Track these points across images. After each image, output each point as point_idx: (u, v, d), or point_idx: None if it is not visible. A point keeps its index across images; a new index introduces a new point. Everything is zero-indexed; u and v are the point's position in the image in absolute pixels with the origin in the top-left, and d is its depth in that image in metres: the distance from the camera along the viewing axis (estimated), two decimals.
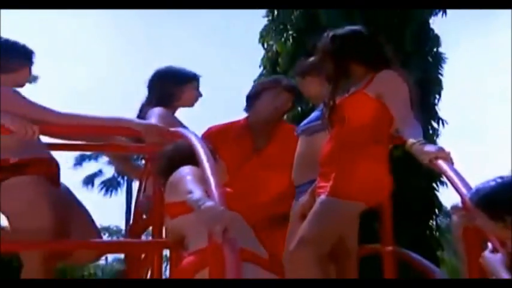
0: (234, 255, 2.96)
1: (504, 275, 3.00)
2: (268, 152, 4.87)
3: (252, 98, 4.97)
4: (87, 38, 71.86)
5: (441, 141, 14.92)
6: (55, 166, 4.23)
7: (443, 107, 16.97)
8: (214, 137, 4.78)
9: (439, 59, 17.31)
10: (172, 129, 4.18)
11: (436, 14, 17.54)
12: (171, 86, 4.83)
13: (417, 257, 4.71)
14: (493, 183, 3.07)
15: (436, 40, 17.44)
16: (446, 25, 18.32)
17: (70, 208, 4.27)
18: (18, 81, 4.28)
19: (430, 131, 15.51)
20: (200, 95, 5.00)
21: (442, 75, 16.86)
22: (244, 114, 5.03)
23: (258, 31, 17.31)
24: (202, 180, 3.38)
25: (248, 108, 4.99)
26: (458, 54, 38.09)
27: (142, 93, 4.94)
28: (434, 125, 16.19)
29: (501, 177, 3.10)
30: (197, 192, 3.27)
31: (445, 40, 17.63)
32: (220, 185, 3.34)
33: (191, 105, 4.99)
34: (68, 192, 4.40)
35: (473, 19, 44.18)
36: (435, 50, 17.32)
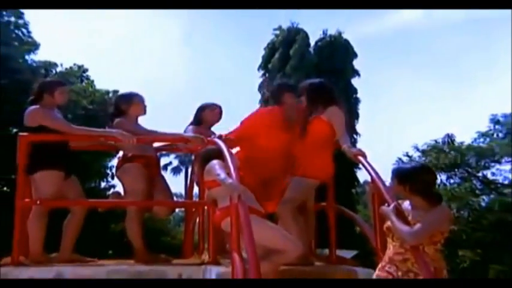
0: (245, 210, 3.30)
1: (393, 217, 3.23)
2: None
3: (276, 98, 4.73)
4: None
5: (358, 145, 16.77)
6: (152, 159, 4.70)
7: (359, 126, 20.50)
8: (265, 116, 4.77)
9: (357, 101, 18.98)
10: (208, 138, 4.55)
11: (354, 77, 19.22)
12: (199, 113, 5.14)
13: (346, 209, 5.16)
14: (407, 165, 3.40)
15: (355, 90, 19.18)
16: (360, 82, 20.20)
17: (156, 182, 4.70)
18: (134, 115, 4.73)
19: (353, 140, 18.46)
20: (218, 116, 5.19)
21: (358, 109, 18.61)
22: None
23: (256, 83, 20.31)
24: (225, 167, 3.72)
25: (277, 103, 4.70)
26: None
27: None
28: (355, 136, 18.22)
29: (413, 161, 3.42)
30: (222, 174, 3.63)
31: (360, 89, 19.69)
32: (236, 170, 3.64)
33: (212, 124, 5.15)
34: (160, 175, 4.85)
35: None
36: (354, 96, 18.99)
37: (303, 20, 36.20)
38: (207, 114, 5.15)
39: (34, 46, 19.64)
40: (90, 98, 18.30)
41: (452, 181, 19.58)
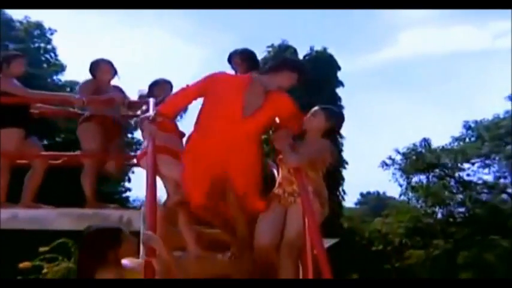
0: (151, 147, 3.24)
1: (286, 146, 3.18)
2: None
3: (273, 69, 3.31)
4: None
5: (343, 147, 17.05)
6: (109, 119, 4.52)
7: (343, 130, 18.21)
8: (217, 82, 3.34)
9: (341, 108, 18.58)
10: None
11: (339, 87, 18.95)
12: (151, 88, 4.52)
13: None
14: (335, 109, 3.47)
15: (339, 99, 18.77)
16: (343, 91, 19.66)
17: (113, 143, 4.57)
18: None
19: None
20: (169, 92, 4.35)
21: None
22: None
23: None
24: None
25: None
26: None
27: None
28: (340, 139, 18.00)
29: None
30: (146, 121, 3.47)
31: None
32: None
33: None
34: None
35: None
36: (339, 103, 18.67)
37: (292, 38, 36.55)
38: (157, 90, 4.53)
39: (61, 67, 20.18)
40: None
41: (429, 180, 19.55)
